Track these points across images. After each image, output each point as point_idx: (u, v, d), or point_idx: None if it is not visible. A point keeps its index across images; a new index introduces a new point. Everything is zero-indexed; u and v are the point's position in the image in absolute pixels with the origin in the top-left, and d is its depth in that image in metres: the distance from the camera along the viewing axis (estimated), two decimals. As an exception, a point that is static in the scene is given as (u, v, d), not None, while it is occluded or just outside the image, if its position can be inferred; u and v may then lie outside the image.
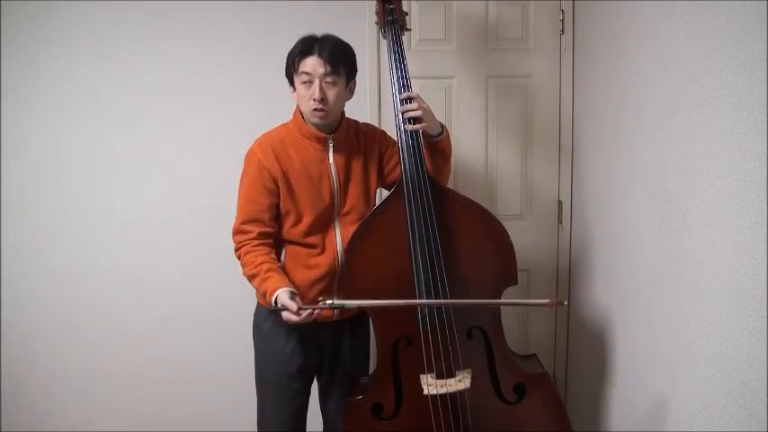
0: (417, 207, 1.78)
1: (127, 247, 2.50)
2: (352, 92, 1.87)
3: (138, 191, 2.48)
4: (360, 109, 2.44)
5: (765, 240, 1.25)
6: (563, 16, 2.45)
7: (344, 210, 1.88)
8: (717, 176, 1.42)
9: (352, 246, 1.81)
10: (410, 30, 1.99)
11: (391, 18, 1.91)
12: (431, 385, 1.81)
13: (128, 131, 2.45)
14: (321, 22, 2.41)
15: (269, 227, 1.84)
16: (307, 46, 1.76)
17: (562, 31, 2.46)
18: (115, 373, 2.54)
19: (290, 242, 1.87)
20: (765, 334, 1.25)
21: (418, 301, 1.80)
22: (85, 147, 2.44)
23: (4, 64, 2.36)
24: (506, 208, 2.53)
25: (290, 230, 1.86)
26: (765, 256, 1.25)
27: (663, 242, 1.71)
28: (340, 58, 1.76)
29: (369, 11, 2.40)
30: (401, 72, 1.86)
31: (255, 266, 1.76)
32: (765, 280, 1.25)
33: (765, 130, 1.24)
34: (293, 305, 1.64)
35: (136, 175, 2.47)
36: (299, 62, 1.77)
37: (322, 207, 1.85)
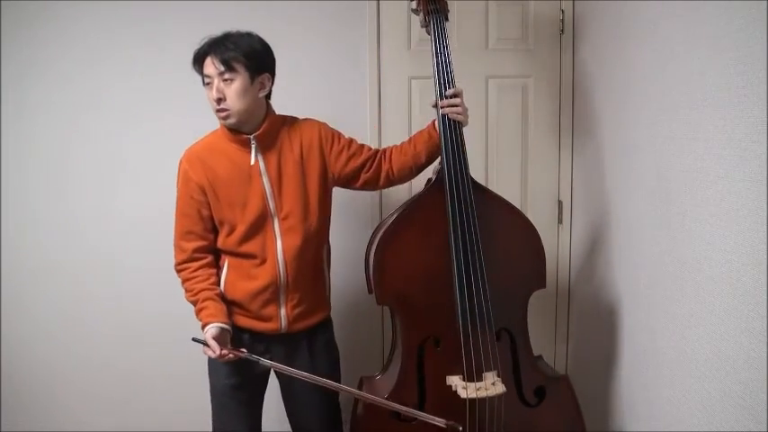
0: (460, 204, 1.75)
1: (128, 246, 2.50)
2: (264, 86, 1.76)
3: (139, 190, 2.47)
4: (360, 109, 2.45)
5: (765, 240, 1.25)
6: (563, 16, 2.45)
7: (282, 214, 1.78)
8: (717, 176, 1.42)
9: (385, 239, 1.76)
10: (448, 21, 1.89)
11: (434, 6, 1.83)
12: (466, 389, 1.76)
13: (129, 131, 2.44)
14: (321, 22, 2.42)
15: (203, 240, 1.79)
16: (204, 49, 1.71)
17: (562, 31, 2.46)
18: (117, 371, 2.53)
19: (229, 253, 1.81)
20: (765, 334, 1.25)
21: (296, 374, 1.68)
22: (87, 146, 2.44)
23: (4, 64, 2.36)
24: (506, 208, 2.53)
25: (226, 240, 1.80)
26: (765, 256, 1.25)
27: (663, 242, 1.71)
28: (235, 55, 1.68)
29: (369, 10, 2.40)
30: (446, 66, 1.80)
31: (195, 294, 1.76)
32: (765, 280, 1.25)
33: (765, 130, 1.24)
34: (215, 347, 1.63)
35: (137, 175, 2.47)
36: (200, 66, 1.72)
37: (256, 213, 1.76)
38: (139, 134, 2.46)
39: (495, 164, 2.52)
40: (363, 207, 2.48)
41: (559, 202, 2.55)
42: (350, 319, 2.49)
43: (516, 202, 2.52)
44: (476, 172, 2.50)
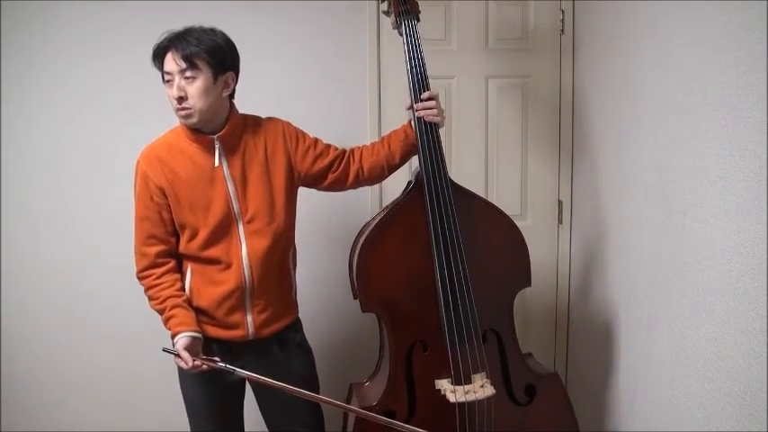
0: (439, 206, 1.74)
1: (127, 245, 2.49)
2: (228, 85, 1.70)
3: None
4: (360, 109, 2.44)
5: (765, 240, 1.25)
6: (563, 16, 2.44)
7: (247, 217, 1.71)
8: (717, 176, 1.42)
9: (368, 244, 1.75)
10: (419, 22, 1.89)
11: (405, 8, 1.82)
12: (455, 392, 1.75)
13: (127, 130, 2.44)
14: (322, 21, 2.42)
15: (165, 244, 1.73)
16: (164, 44, 1.63)
17: (562, 31, 2.46)
18: (116, 371, 2.53)
19: (192, 258, 1.74)
20: (765, 334, 1.25)
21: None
22: (86, 145, 2.43)
23: (3, 64, 2.36)
24: (506, 208, 2.49)
25: (188, 245, 1.72)
26: (765, 256, 1.25)
27: (663, 242, 1.71)
28: (198, 51, 1.60)
29: (369, 10, 2.40)
30: (420, 68, 1.80)
31: (161, 302, 1.69)
32: (765, 280, 1.25)
33: (765, 130, 1.24)
34: (188, 359, 1.59)
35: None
36: (160, 63, 1.64)
37: (219, 216, 1.69)
38: (137, 133, 2.44)
39: (495, 164, 2.52)
40: (363, 208, 2.48)
41: (559, 202, 2.55)
42: (338, 325, 2.50)
43: (516, 202, 2.54)
44: (476, 172, 2.52)
